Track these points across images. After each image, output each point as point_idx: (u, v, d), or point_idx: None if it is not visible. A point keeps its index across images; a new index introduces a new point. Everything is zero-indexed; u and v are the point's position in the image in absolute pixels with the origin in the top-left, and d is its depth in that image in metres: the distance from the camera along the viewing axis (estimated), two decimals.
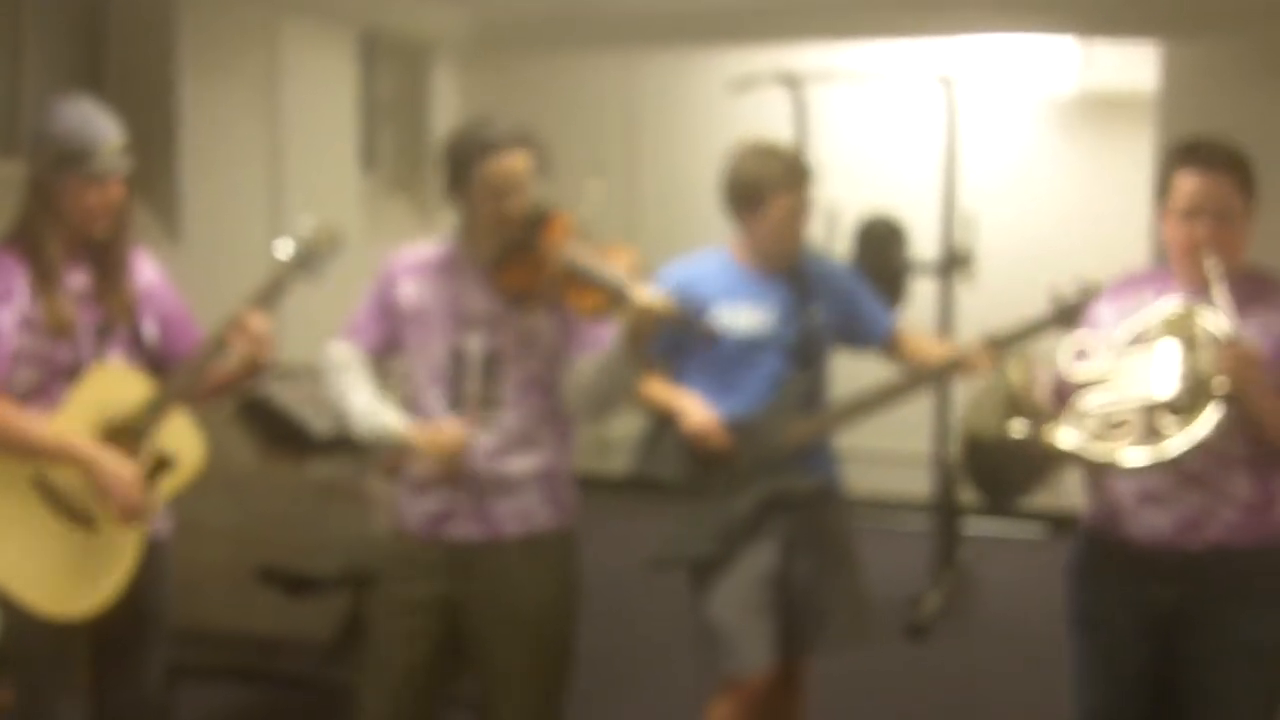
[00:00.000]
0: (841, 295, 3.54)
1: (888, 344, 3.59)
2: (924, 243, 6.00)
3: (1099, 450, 2.72)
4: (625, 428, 3.80)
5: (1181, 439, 2.63)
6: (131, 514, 2.83)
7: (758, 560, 3.41)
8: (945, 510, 6.07)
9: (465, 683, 3.10)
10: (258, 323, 2.87)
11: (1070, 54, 6.92)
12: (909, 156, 6.94)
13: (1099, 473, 2.87)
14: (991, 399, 2.93)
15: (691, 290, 3.42)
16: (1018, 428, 2.81)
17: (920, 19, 6.33)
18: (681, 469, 3.47)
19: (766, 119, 6.11)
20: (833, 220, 5.74)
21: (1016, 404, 2.85)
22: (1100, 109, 6.93)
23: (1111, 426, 2.73)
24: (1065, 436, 2.77)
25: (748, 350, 3.43)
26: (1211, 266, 2.73)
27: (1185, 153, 2.84)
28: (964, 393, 3.52)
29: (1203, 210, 2.77)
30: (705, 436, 3.40)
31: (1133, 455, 2.67)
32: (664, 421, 3.48)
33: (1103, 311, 2.96)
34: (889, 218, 5.96)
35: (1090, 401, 2.77)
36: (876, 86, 7.05)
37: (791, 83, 6.37)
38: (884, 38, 6.73)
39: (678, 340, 3.44)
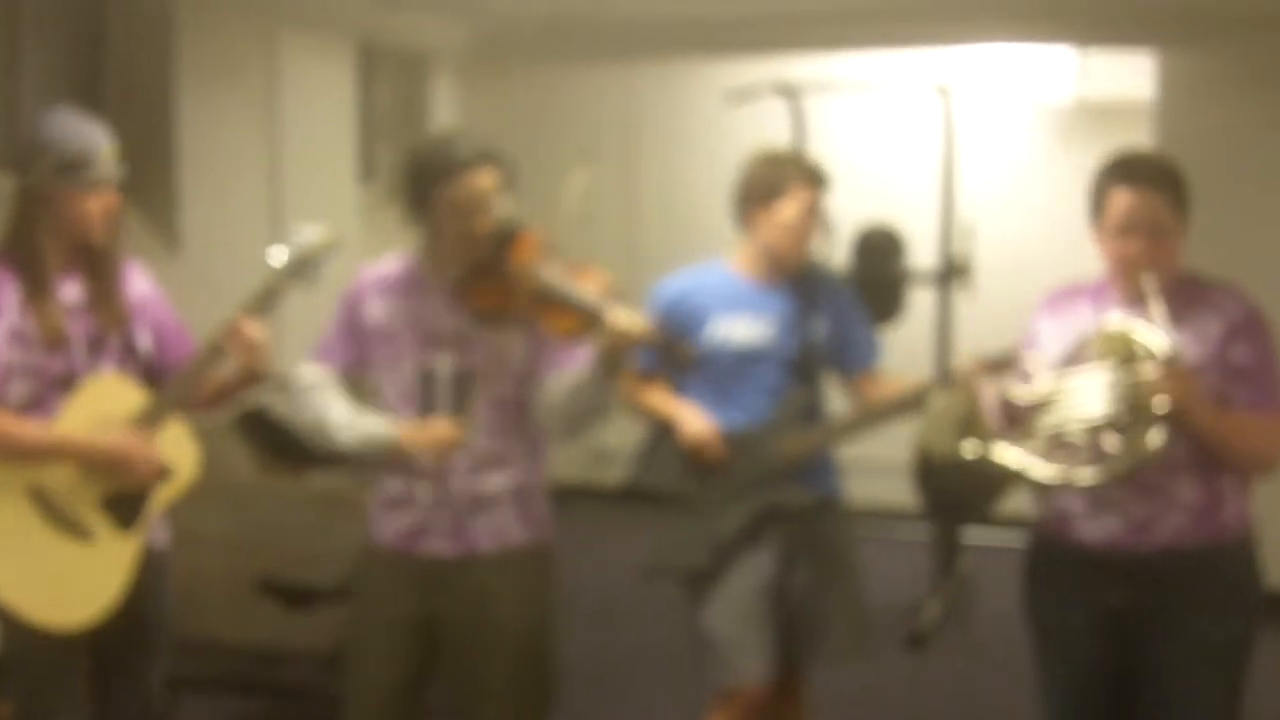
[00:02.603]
0: (839, 314, 3.53)
1: (856, 382, 3.55)
2: (922, 252, 6.01)
3: (1047, 471, 2.77)
4: (621, 438, 3.80)
5: (1127, 459, 2.70)
6: (156, 472, 2.85)
7: (755, 572, 3.41)
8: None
9: (440, 692, 3.10)
10: (253, 330, 2.87)
11: (1067, 63, 6.92)
12: (907, 166, 6.94)
13: (1048, 488, 2.90)
14: (945, 419, 2.95)
15: (691, 301, 3.43)
16: (969, 448, 2.83)
17: (917, 29, 6.34)
18: (678, 479, 3.47)
19: (764, 129, 6.11)
20: (830, 230, 5.74)
21: (969, 425, 2.87)
22: (1097, 118, 6.93)
23: (1058, 446, 2.78)
24: (1013, 456, 2.81)
25: (747, 362, 3.43)
26: (1147, 282, 2.77)
27: (1118, 169, 2.86)
28: None
29: (1137, 227, 2.80)
30: (702, 446, 3.40)
31: (1081, 474, 2.74)
32: (663, 431, 3.49)
33: (1042, 326, 2.99)
34: (887, 227, 5.96)
35: (1043, 422, 2.81)
36: (874, 96, 7.06)
37: (789, 93, 6.38)
38: (881, 48, 6.73)
39: (653, 356, 3.45)
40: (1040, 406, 2.83)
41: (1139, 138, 6.23)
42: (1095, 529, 2.86)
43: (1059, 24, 6.14)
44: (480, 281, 2.88)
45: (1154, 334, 2.74)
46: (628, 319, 2.78)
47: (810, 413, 3.50)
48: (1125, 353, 2.75)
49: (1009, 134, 7.20)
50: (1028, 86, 7.08)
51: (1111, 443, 2.73)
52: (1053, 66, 6.96)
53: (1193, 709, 2.85)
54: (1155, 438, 2.70)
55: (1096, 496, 2.83)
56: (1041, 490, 2.94)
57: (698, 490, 3.44)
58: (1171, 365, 2.70)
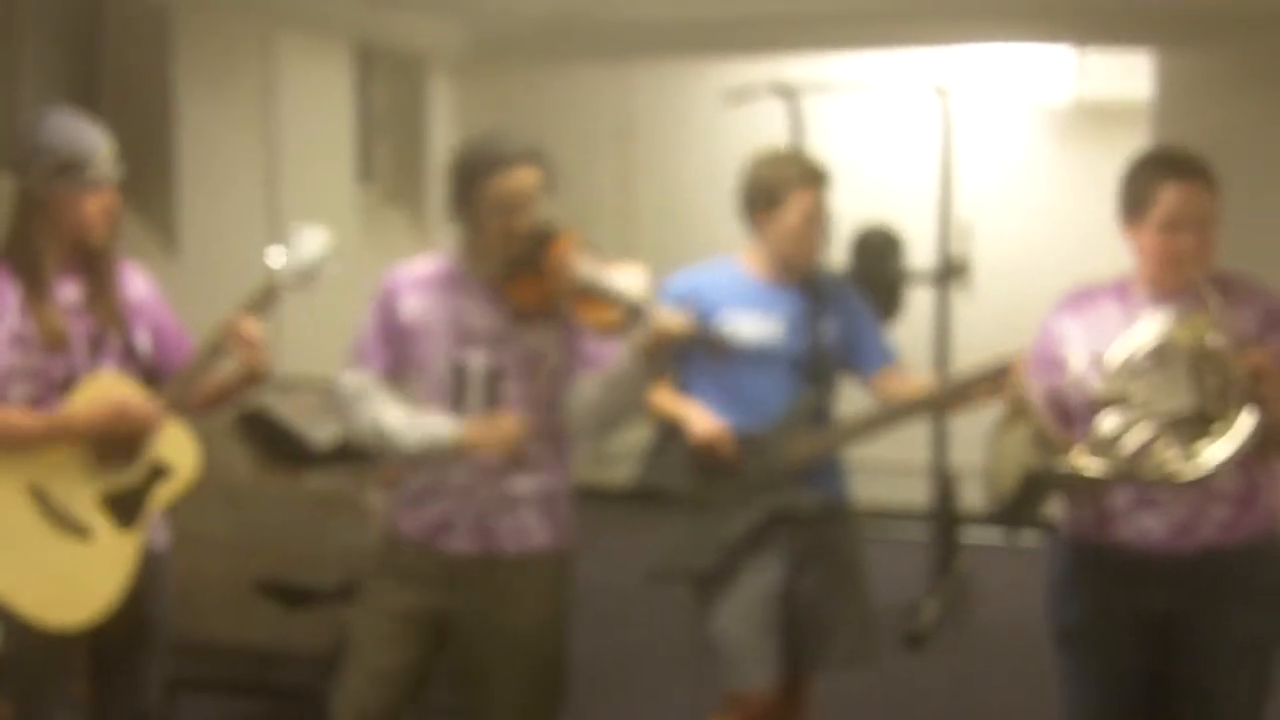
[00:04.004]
0: (849, 319, 3.51)
1: (876, 381, 3.52)
2: (920, 252, 6.01)
3: (1147, 469, 2.74)
4: (626, 439, 3.79)
5: (1222, 446, 2.67)
6: (151, 423, 2.85)
7: (763, 577, 3.39)
8: (943, 519, 6.07)
9: (440, 692, 3.09)
10: (251, 328, 2.87)
11: (1065, 63, 6.93)
12: (905, 166, 6.95)
13: (1105, 484, 2.87)
14: (1016, 439, 2.90)
15: (698, 297, 3.41)
16: (1074, 461, 2.79)
17: (915, 29, 6.34)
18: (686, 481, 3.45)
19: (762, 130, 6.11)
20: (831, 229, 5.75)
21: (1045, 441, 2.84)
22: (1095, 118, 6.94)
23: (1148, 443, 2.75)
24: (1109, 460, 2.77)
25: (754, 361, 3.40)
26: (1200, 277, 2.75)
27: (1164, 164, 2.85)
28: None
29: (1187, 221, 2.79)
30: (712, 445, 3.38)
31: (1186, 468, 2.70)
32: (670, 432, 3.47)
33: (1065, 326, 2.96)
34: (885, 227, 5.96)
35: (1113, 421, 2.78)
36: (872, 97, 7.06)
37: (787, 93, 6.38)
38: (879, 48, 6.74)
39: (686, 351, 3.44)
40: (1111, 406, 2.79)
41: (1136, 137, 6.24)
42: (1137, 530, 2.84)
43: (1057, 24, 6.15)
44: (520, 278, 2.88)
45: (1222, 324, 2.71)
46: (671, 316, 2.78)
47: (819, 415, 3.47)
48: (1197, 344, 2.73)
49: (1007, 134, 7.21)
50: (1025, 86, 7.08)
51: (1199, 436, 2.70)
52: (1050, 66, 6.96)
53: (1231, 707, 2.85)
54: (1245, 426, 2.68)
55: (1142, 494, 2.82)
56: (1087, 491, 2.93)
57: (705, 491, 3.43)
58: (1250, 353, 2.68)
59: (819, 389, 3.46)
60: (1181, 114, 5.84)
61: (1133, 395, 2.77)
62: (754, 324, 3.40)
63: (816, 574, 3.44)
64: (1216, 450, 2.69)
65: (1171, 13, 5.79)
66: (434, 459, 2.92)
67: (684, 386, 3.48)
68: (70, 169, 2.83)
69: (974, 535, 6.46)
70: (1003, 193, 7.03)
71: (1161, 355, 2.77)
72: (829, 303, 3.48)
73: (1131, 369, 2.79)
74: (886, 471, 6.28)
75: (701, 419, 3.41)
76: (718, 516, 3.41)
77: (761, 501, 3.39)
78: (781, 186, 3.38)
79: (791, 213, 3.38)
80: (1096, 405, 2.81)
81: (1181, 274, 2.78)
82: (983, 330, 5.53)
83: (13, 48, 4.94)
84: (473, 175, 2.88)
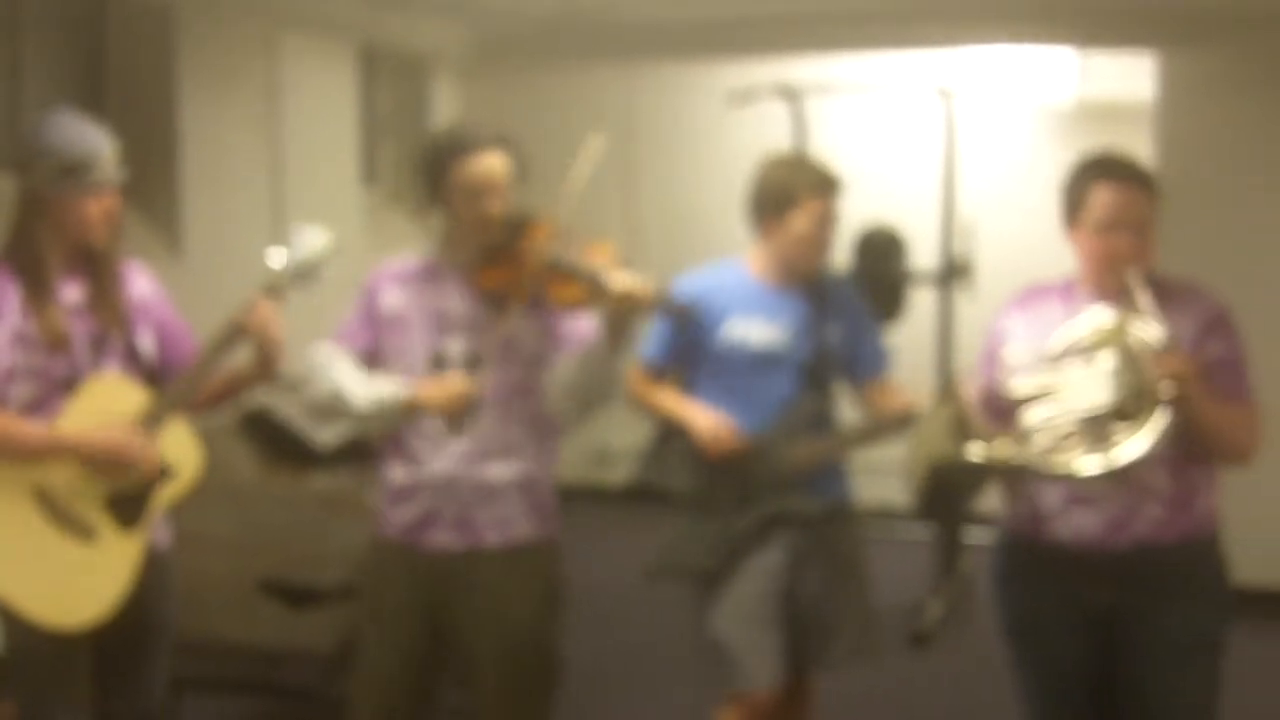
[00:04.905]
0: (850, 325, 3.52)
1: (865, 390, 3.53)
2: (923, 253, 6.01)
3: (1053, 463, 2.78)
4: (627, 438, 3.81)
5: (1133, 445, 2.71)
6: (139, 459, 2.84)
7: (764, 575, 3.40)
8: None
9: (449, 691, 3.11)
10: (268, 310, 2.89)
11: (1068, 64, 6.93)
12: (908, 168, 6.95)
13: (1031, 481, 2.90)
14: (935, 426, 2.96)
15: (706, 301, 3.42)
16: (975, 450, 2.84)
17: (918, 30, 6.34)
18: (687, 480, 3.46)
19: (766, 132, 6.12)
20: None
21: (964, 428, 2.88)
22: (1098, 119, 6.93)
23: (1061, 438, 2.79)
24: (1019, 453, 2.82)
25: (760, 365, 3.41)
26: (1133, 277, 2.80)
27: (1100, 167, 2.91)
28: None
29: (1123, 223, 2.84)
30: (717, 440, 3.38)
31: (1087, 464, 2.75)
32: (671, 432, 3.48)
33: (1011, 324, 3.01)
34: (888, 228, 5.97)
35: (1035, 415, 2.82)
36: (875, 98, 7.06)
37: (790, 95, 6.39)
38: (882, 50, 6.74)
39: (690, 351, 3.44)
40: (1037, 399, 2.83)
41: (1140, 138, 6.24)
42: (1072, 527, 2.87)
43: (1060, 25, 6.15)
44: (492, 262, 2.92)
45: (1148, 324, 2.76)
46: (627, 280, 2.78)
47: (820, 419, 3.47)
48: (1121, 344, 2.77)
49: (1010, 135, 7.21)
50: (1029, 88, 7.09)
51: (1115, 432, 2.74)
52: (1054, 68, 6.97)
53: (1177, 706, 2.87)
54: (1159, 425, 2.70)
55: (1075, 492, 2.85)
56: (1014, 487, 2.95)
57: (707, 491, 3.44)
58: (1172, 353, 2.72)
59: (820, 393, 3.46)
60: (1184, 115, 5.84)
61: (1057, 390, 2.81)
62: (760, 329, 3.41)
63: (818, 572, 3.44)
64: (1127, 448, 2.72)
65: (1174, 14, 5.79)
66: (385, 420, 2.93)
67: (689, 389, 3.49)
68: (74, 171, 2.84)
69: (977, 535, 6.46)
70: (1005, 193, 7.03)
71: (1088, 352, 2.81)
72: (834, 305, 3.48)
73: (1058, 365, 2.84)
74: (890, 471, 6.28)
75: (705, 417, 3.41)
76: (718, 515, 3.41)
77: (763, 503, 3.40)
78: (795, 192, 3.38)
79: (804, 218, 3.38)
80: (1022, 399, 2.85)
81: (1117, 274, 2.83)
82: (985, 330, 5.52)
83: (16, 49, 4.96)
84: (441, 161, 2.93)
